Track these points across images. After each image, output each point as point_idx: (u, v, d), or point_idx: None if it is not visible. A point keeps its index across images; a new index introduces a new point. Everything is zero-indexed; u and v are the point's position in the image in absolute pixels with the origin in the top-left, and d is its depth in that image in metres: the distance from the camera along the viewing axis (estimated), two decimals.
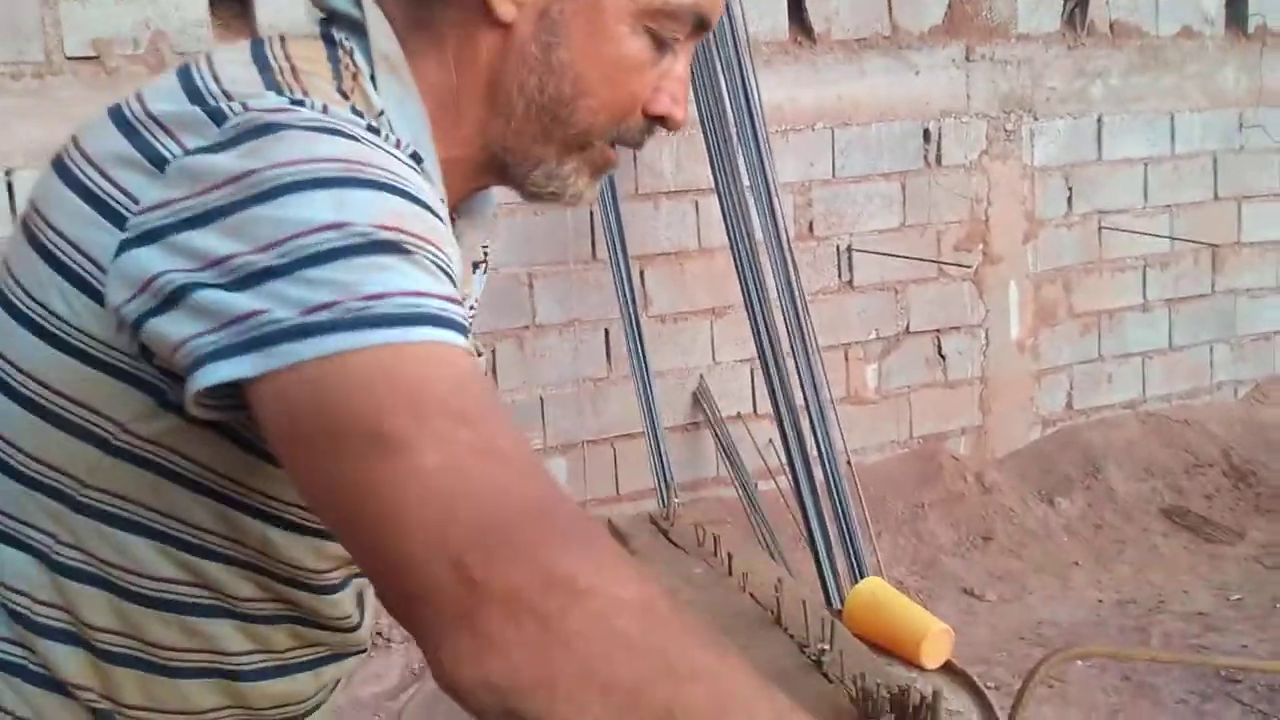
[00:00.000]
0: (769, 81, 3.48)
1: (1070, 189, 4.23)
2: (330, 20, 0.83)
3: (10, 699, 0.79)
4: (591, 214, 3.46)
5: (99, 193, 0.73)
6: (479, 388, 0.66)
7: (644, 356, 3.34)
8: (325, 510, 0.67)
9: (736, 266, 3.20)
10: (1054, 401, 4.32)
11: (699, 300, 3.67)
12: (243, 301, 0.64)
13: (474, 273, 0.97)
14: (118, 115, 0.75)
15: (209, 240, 0.66)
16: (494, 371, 3.42)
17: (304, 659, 0.87)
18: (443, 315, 0.66)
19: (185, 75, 0.75)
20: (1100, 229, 4.28)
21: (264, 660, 0.84)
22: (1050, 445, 4.26)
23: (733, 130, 3.19)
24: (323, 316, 0.63)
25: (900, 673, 1.23)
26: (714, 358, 3.72)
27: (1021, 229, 4.16)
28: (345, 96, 0.76)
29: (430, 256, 0.67)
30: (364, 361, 0.63)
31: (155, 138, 0.72)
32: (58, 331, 0.74)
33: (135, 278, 0.68)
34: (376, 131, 0.72)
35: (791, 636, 1.19)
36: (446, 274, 0.69)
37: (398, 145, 0.73)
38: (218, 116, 0.71)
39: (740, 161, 3.20)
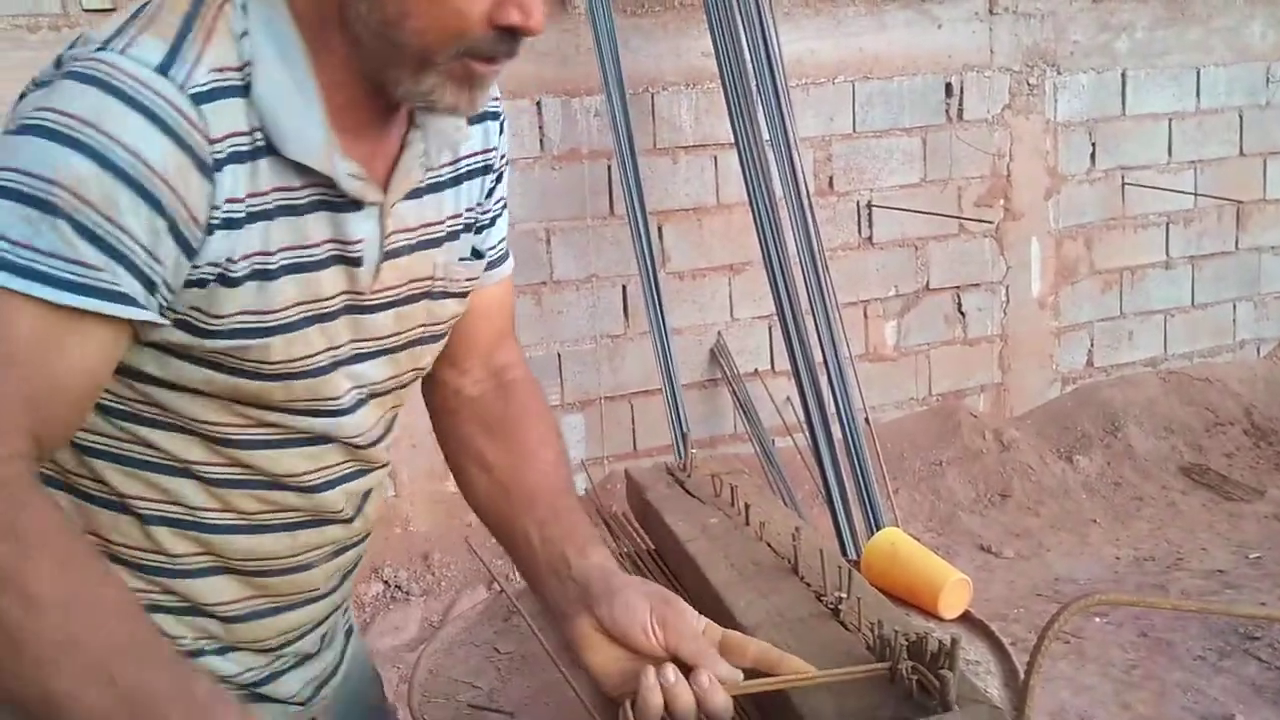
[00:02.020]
0: (789, 34, 3.44)
1: (1093, 144, 4.18)
2: None
3: None
4: (610, 169, 3.44)
5: None
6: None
7: (662, 313, 3.33)
8: None
9: (755, 222, 3.18)
10: (1074, 359, 4.30)
11: (717, 256, 3.66)
12: None
13: (467, 181, 1.06)
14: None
15: None
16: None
17: (275, 522, 1.00)
18: (11, 261, 0.79)
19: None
20: (1123, 185, 4.24)
21: (233, 518, 0.97)
22: (1070, 403, 4.24)
23: (752, 84, 3.16)
24: None
25: (918, 622, 1.23)
26: (732, 314, 3.71)
27: (1043, 185, 4.12)
28: (185, 31, 0.86)
29: (84, 217, 0.80)
30: None
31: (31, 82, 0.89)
32: None
33: None
34: (164, 70, 0.84)
35: (808, 585, 1.18)
36: (104, 235, 0.81)
37: (186, 82, 0.85)
38: (59, 61, 0.87)
39: (760, 116, 3.17)
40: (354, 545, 1.09)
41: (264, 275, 0.90)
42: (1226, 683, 2.67)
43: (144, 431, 0.93)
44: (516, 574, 1.15)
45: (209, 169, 0.85)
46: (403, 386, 1.06)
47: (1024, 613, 3.07)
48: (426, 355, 1.08)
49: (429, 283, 1.03)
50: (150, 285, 0.84)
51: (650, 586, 1.01)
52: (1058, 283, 4.21)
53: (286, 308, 0.92)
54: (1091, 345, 4.32)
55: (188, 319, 0.89)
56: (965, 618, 1.32)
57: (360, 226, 0.95)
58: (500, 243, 1.15)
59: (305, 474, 0.99)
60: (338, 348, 0.97)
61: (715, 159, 3.60)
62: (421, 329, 1.05)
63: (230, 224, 0.88)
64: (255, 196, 0.89)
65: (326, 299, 0.95)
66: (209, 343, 0.90)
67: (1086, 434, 4.10)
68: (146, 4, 0.89)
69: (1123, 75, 4.18)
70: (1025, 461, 3.95)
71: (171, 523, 0.96)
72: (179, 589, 0.98)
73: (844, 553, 2.81)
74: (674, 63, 3.49)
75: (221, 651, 1.02)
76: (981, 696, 0.96)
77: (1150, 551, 3.54)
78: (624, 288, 3.54)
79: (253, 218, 0.89)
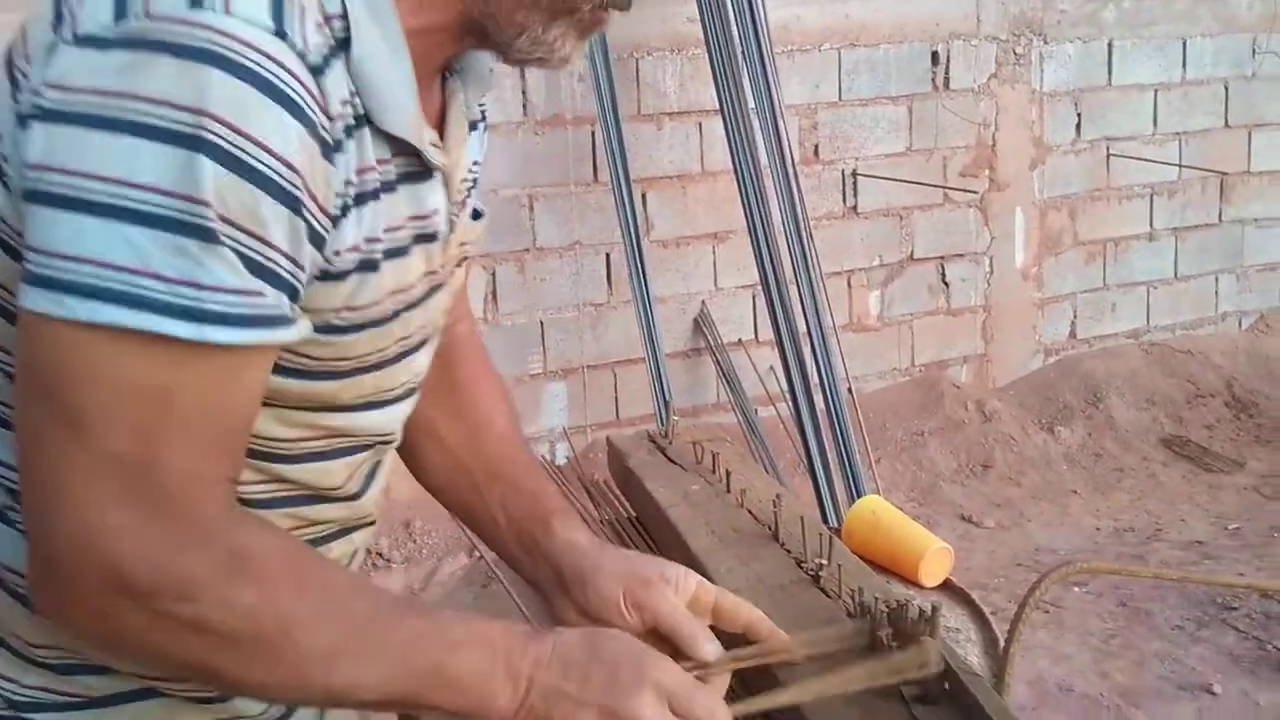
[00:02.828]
0: (775, 0, 3.41)
1: (1079, 115, 4.16)
2: None
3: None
4: (593, 135, 3.41)
5: (15, 73, 0.74)
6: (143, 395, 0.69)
7: (645, 281, 3.32)
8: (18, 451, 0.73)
9: (740, 191, 3.16)
10: (1057, 330, 4.30)
11: (701, 225, 3.64)
12: (37, 221, 0.67)
13: (471, 132, 0.94)
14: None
15: (53, 144, 0.67)
16: (494, 295, 3.40)
17: (310, 538, 0.89)
18: (179, 305, 0.67)
19: None
20: (1108, 156, 4.23)
21: None
22: (1052, 374, 4.25)
23: (738, 50, 3.13)
24: (58, 270, 0.66)
25: (899, 589, 1.22)
26: (716, 283, 3.70)
27: (1029, 155, 4.10)
28: None
29: (234, 241, 0.68)
30: (73, 336, 0.67)
31: (68, 21, 0.70)
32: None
33: (21, 165, 0.70)
34: (282, 36, 0.69)
35: (789, 552, 1.17)
36: (255, 256, 0.69)
37: (304, 48, 0.70)
38: (120, 11, 0.67)
39: (745, 83, 3.14)
40: (365, 546, 1.02)
41: (368, 266, 0.80)
42: (1204, 652, 2.69)
43: None
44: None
45: (331, 151, 0.73)
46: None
47: (1004, 582, 3.08)
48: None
49: (463, 248, 0.95)
50: (295, 296, 0.73)
51: (622, 563, 0.97)
52: (1041, 254, 4.20)
53: (382, 299, 0.82)
54: (1074, 317, 4.32)
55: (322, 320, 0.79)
56: (946, 586, 1.31)
57: (433, 197, 0.85)
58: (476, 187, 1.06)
59: (347, 481, 0.90)
60: (408, 336, 0.88)
61: (700, 126, 3.57)
62: (451, 304, 0.97)
63: (344, 210, 0.77)
64: (360, 174, 0.78)
65: (412, 285, 0.85)
66: (297, 345, 0.78)
67: (1068, 405, 4.11)
68: None
69: (1109, 45, 4.17)
70: (1007, 432, 3.96)
71: None
72: None
73: (825, 521, 2.81)
74: (659, 28, 3.45)
75: None
76: (961, 664, 0.96)
77: (1130, 522, 3.56)
78: (607, 255, 3.52)
79: (359, 201, 0.78)
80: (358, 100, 0.75)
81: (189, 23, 0.66)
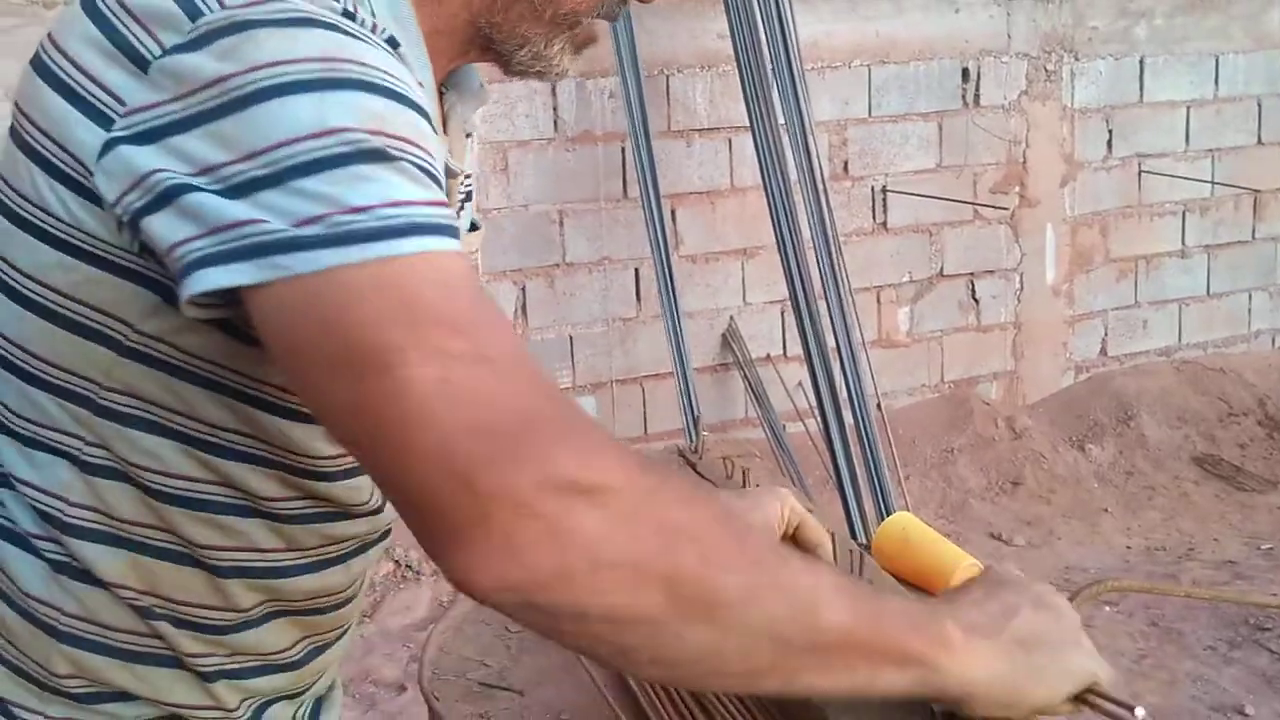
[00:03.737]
0: (805, 17, 3.42)
1: (1110, 131, 4.15)
2: None
3: (59, 595, 0.79)
4: (623, 151, 3.43)
5: (81, 91, 0.71)
6: (469, 292, 0.66)
7: (674, 296, 3.33)
8: (330, 425, 0.68)
9: (769, 206, 3.17)
10: (1088, 347, 4.28)
11: (730, 240, 3.65)
12: (233, 209, 0.64)
13: (470, 156, 0.96)
14: (90, 6, 0.72)
15: (199, 145, 0.65)
16: (524, 309, 3.42)
17: (333, 555, 0.88)
18: (428, 222, 0.65)
19: None
20: (1140, 173, 4.21)
21: (296, 557, 0.85)
22: (1083, 391, 4.22)
23: (768, 67, 3.14)
24: (312, 230, 0.63)
25: None
26: (745, 299, 3.71)
27: (1059, 172, 4.09)
28: None
29: (413, 159, 0.66)
30: (354, 277, 0.63)
31: (131, 31, 0.69)
32: (58, 233, 0.73)
33: (126, 175, 0.67)
34: (352, 16, 0.70)
35: None
36: (430, 174, 0.68)
37: (374, 29, 0.71)
38: (191, 10, 0.67)
39: (775, 99, 3.15)
40: (378, 559, 1.01)
41: None
42: (1237, 673, 2.67)
43: (228, 467, 0.79)
44: None
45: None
46: None
47: None
48: None
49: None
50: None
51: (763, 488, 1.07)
52: (1072, 271, 4.19)
53: None
54: (1105, 334, 4.30)
55: None
56: None
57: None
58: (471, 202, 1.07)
59: (372, 495, 0.89)
60: None
61: (730, 142, 3.58)
62: None
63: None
64: None
65: None
66: None
67: (1099, 423, 4.09)
68: None
69: (1141, 62, 4.15)
70: (1037, 449, 3.94)
71: (243, 571, 0.83)
72: (245, 644, 0.86)
73: (854, 538, 2.81)
74: (689, 45, 3.47)
75: (263, 709, 0.90)
76: None
77: (1162, 541, 3.54)
78: (636, 270, 3.54)
79: None
80: None
81: (270, 3, 0.67)
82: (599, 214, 3.48)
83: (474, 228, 1.02)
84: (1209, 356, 4.43)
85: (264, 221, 0.63)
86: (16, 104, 0.76)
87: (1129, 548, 3.51)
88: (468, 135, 0.98)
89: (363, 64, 0.66)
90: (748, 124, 3.21)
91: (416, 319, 0.63)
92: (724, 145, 3.59)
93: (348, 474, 0.85)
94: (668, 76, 3.49)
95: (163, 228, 0.66)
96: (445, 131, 0.90)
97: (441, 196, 0.68)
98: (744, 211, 3.60)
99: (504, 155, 3.35)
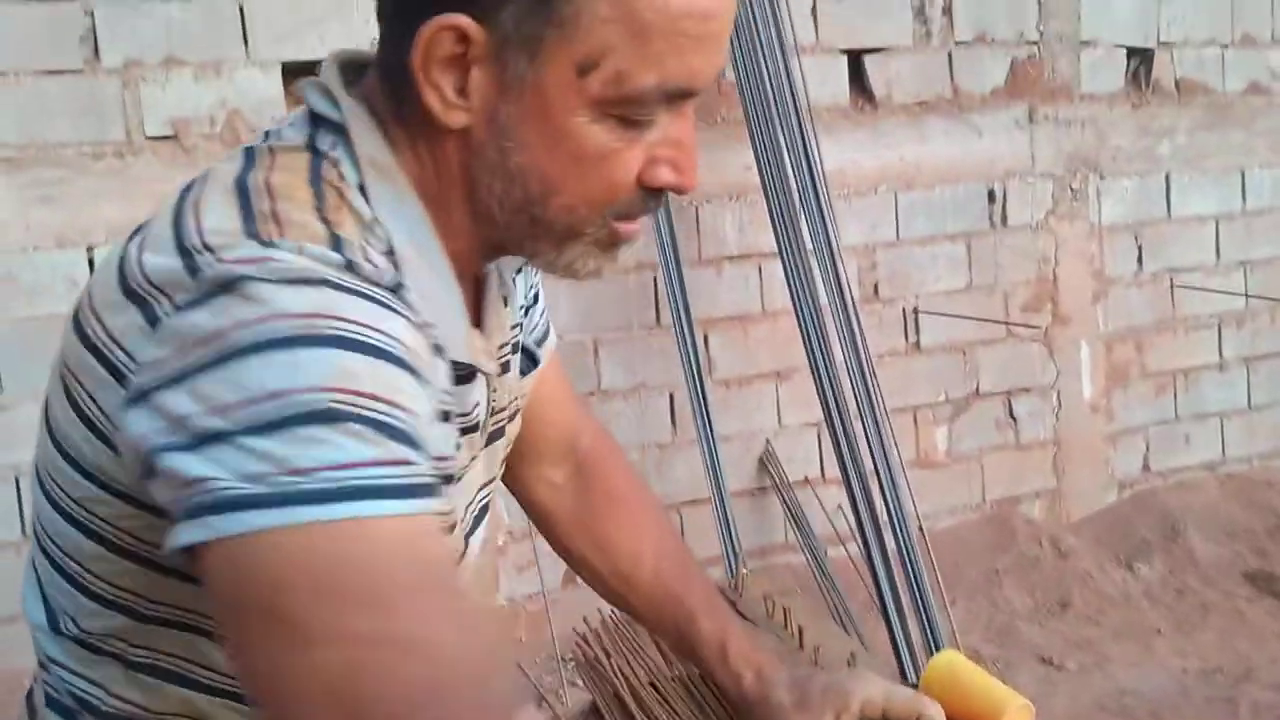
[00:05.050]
0: (831, 146, 3.49)
1: (1140, 247, 4.17)
2: (317, 119, 0.82)
3: None
4: (655, 280, 3.48)
5: (106, 353, 0.74)
6: (397, 561, 0.65)
7: (709, 421, 3.33)
8: (245, 684, 0.69)
9: (801, 330, 3.19)
10: (1130, 463, 4.23)
11: (764, 364, 3.66)
12: (195, 466, 0.65)
13: (505, 308, 0.96)
14: (121, 268, 0.75)
15: (178, 400, 0.67)
16: None
17: None
18: (372, 485, 0.65)
19: (177, 220, 0.74)
20: (1172, 287, 4.21)
21: None
22: (1127, 508, 4.15)
23: (795, 195, 3.20)
24: (253, 489, 0.64)
25: None
26: (780, 421, 3.70)
27: (1090, 288, 4.10)
28: (327, 222, 0.74)
29: (377, 415, 0.66)
30: (282, 541, 0.63)
31: (149, 295, 0.72)
32: (98, 475, 0.77)
33: (132, 442, 0.69)
34: (353, 266, 0.71)
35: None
36: (397, 430, 0.67)
37: (376, 278, 0.72)
38: (194, 270, 0.70)
39: (803, 225, 3.20)
40: None
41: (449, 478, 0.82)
42: None
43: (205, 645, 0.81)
44: (565, 692, 1.15)
45: (431, 355, 0.75)
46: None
47: None
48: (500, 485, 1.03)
49: (510, 406, 0.97)
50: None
51: (828, 692, 1.06)
52: (1109, 386, 4.16)
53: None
54: (1147, 449, 4.25)
55: None
56: None
57: (475, 392, 0.88)
58: (542, 314, 1.08)
59: None
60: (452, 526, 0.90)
61: (760, 268, 3.63)
62: (502, 465, 1.00)
63: (446, 417, 0.79)
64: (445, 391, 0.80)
65: (462, 469, 0.89)
66: None
67: (1146, 540, 4.01)
68: (245, 192, 0.75)
69: (1166, 179, 4.19)
70: (1084, 569, 3.86)
71: None
72: None
73: (902, 670, 2.75)
74: (717, 176, 3.54)
75: None
76: None
77: (1218, 662, 3.43)
78: (671, 396, 3.55)
79: (448, 416, 0.81)
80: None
81: (261, 259, 0.69)
82: (633, 342, 3.51)
83: (534, 365, 1.05)
84: (1254, 469, 4.36)
85: (215, 479, 0.64)
86: (62, 356, 0.79)
87: (1185, 670, 3.40)
88: (517, 272, 1.00)
89: (346, 320, 0.67)
90: (777, 250, 3.26)
91: (332, 592, 0.63)
92: (754, 271, 3.63)
93: None
94: (697, 207, 3.55)
95: (156, 492, 0.68)
96: (484, 322, 0.89)
97: (403, 454, 0.67)
98: (776, 335, 3.63)
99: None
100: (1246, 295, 4.29)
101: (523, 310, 1.02)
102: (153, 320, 0.71)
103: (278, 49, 3.01)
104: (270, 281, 0.68)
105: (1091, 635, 3.62)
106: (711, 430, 3.33)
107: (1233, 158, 4.28)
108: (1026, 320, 3.93)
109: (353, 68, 0.85)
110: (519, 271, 1.01)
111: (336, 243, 0.72)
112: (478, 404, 0.88)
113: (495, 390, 0.91)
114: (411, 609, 0.65)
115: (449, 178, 0.80)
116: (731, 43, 3.17)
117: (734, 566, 3.12)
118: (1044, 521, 4.04)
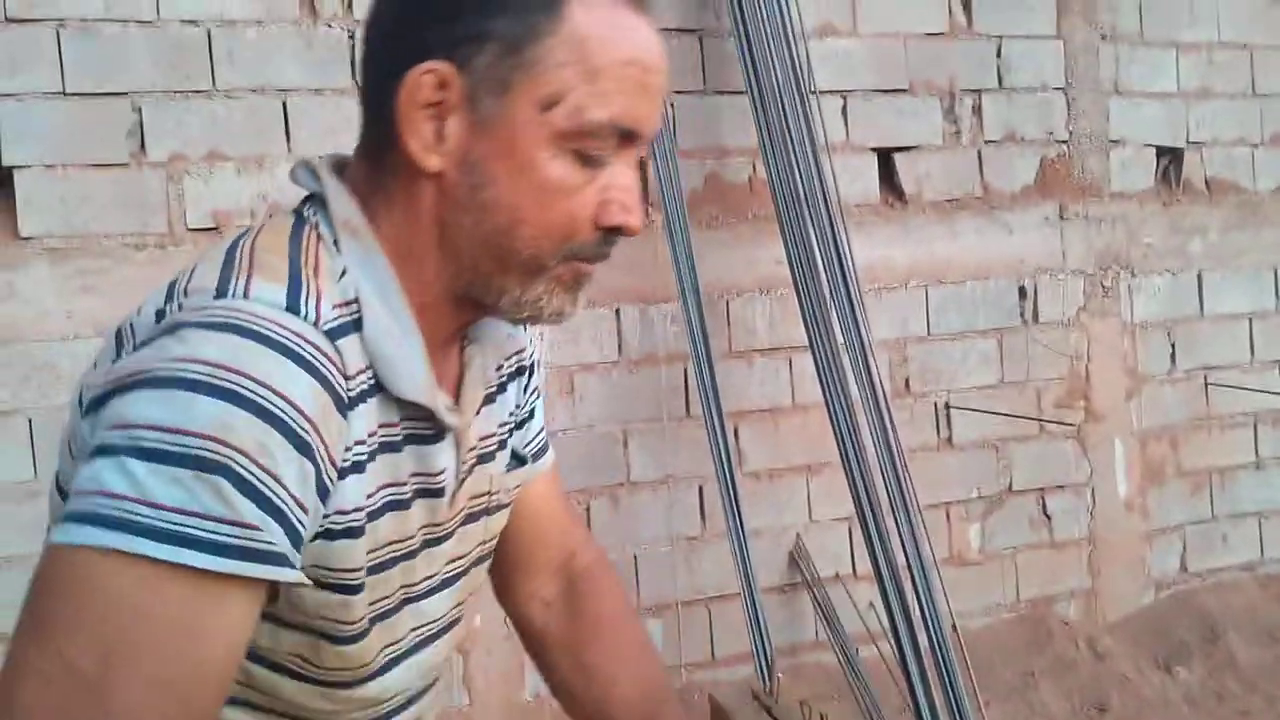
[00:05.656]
0: (861, 242, 3.51)
1: (1173, 345, 4.15)
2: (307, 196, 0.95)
3: None
4: (686, 371, 3.48)
5: (85, 397, 0.87)
6: (170, 624, 0.72)
7: (739, 514, 3.30)
8: None
9: (832, 423, 3.17)
10: (1167, 563, 4.15)
11: (794, 457, 3.64)
12: (84, 471, 0.76)
13: (500, 395, 1.05)
14: (119, 327, 0.89)
15: (107, 412, 0.78)
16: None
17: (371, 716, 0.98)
18: (178, 533, 0.72)
19: (174, 279, 0.88)
20: (1206, 385, 4.18)
21: None
22: (1165, 609, 4.07)
23: (825, 290, 3.21)
24: (106, 509, 0.73)
25: None
26: (811, 516, 3.67)
27: (1124, 386, 4.07)
28: (296, 266, 0.85)
29: (242, 471, 0.74)
30: (101, 559, 0.72)
31: (127, 338, 0.85)
32: None
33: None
34: (292, 310, 0.81)
35: None
36: (258, 491, 0.75)
37: (312, 332, 0.82)
38: (161, 316, 0.83)
39: (834, 320, 3.20)
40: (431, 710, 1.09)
41: (373, 517, 0.88)
42: None
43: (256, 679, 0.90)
44: None
45: (345, 407, 0.83)
46: (457, 621, 1.04)
47: None
48: (481, 574, 1.07)
49: (486, 499, 1.03)
50: (297, 541, 0.78)
51: None
52: (1145, 484, 4.11)
53: (380, 548, 0.90)
54: (1184, 549, 4.17)
55: (312, 577, 0.84)
56: None
57: (442, 456, 0.93)
58: (540, 433, 1.15)
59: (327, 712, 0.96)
60: (412, 585, 0.95)
61: (790, 361, 3.63)
62: (480, 548, 1.04)
63: (356, 467, 0.85)
64: (371, 436, 0.87)
65: (410, 537, 0.93)
66: (310, 604, 0.85)
67: (1184, 642, 3.92)
68: (234, 250, 0.87)
69: (1198, 276, 4.18)
70: (1122, 671, 3.77)
71: None
72: None
73: None
74: (748, 271, 3.57)
75: None
76: None
77: None
78: (700, 488, 3.53)
79: (371, 457, 0.87)
80: (370, 370, 0.86)
81: (213, 306, 0.81)
82: (662, 433, 3.51)
83: (521, 463, 1.10)
84: None
85: (92, 494, 0.74)
86: (67, 428, 0.92)
87: None
88: (504, 385, 1.06)
89: (247, 376, 0.76)
90: (808, 344, 3.26)
91: (65, 613, 0.71)
92: (785, 364, 3.63)
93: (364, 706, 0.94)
94: (728, 301, 3.57)
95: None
96: (459, 393, 0.97)
97: (251, 518, 0.74)
98: (806, 428, 3.61)
99: (570, 379, 3.41)
100: None
101: (514, 419, 1.08)
102: (120, 356, 0.83)
103: (318, 144, 3.08)
104: (201, 327, 0.78)
105: None
106: (741, 523, 3.30)
107: (1265, 256, 4.27)
108: (1059, 417, 3.90)
109: (340, 164, 0.97)
110: (514, 379, 1.08)
111: (294, 284, 0.83)
112: (444, 470, 0.94)
113: (469, 464, 0.97)
114: (132, 675, 0.71)
115: (421, 226, 0.89)
116: (763, 140, 3.21)
117: (765, 664, 3.07)
118: (1080, 622, 3.96)
